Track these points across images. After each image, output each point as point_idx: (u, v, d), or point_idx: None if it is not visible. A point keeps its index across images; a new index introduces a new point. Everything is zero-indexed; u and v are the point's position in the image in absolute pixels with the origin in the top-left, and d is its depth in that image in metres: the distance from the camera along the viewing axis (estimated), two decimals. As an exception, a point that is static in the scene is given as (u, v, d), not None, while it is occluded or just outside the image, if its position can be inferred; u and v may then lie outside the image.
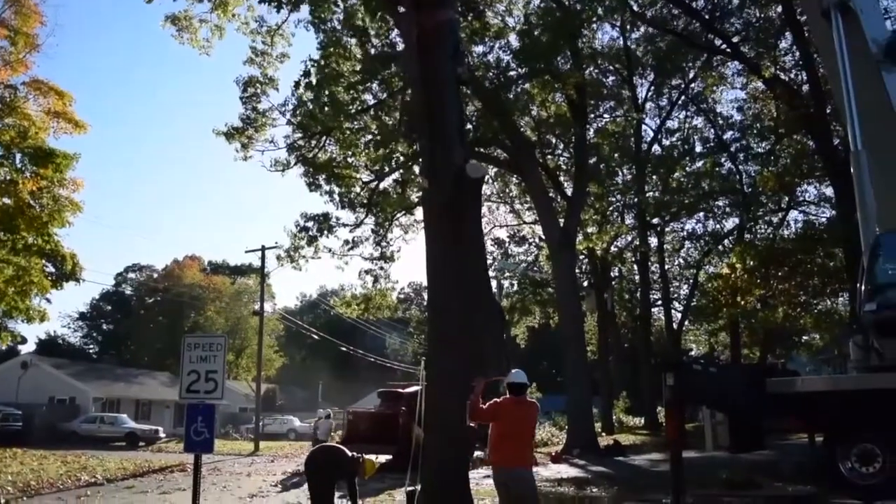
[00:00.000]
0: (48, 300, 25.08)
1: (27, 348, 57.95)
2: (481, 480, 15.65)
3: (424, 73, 10.55)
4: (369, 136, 22.72)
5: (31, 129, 22.30)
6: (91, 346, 76.23)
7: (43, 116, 23.07)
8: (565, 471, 18.27)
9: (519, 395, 7.49)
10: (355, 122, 22.55)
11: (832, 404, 10.29)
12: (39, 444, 30.39)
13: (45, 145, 22.74)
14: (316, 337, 55.94)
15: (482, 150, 25.72)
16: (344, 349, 54.13)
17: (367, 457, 10.43)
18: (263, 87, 21.92)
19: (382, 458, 20.80)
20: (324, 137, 22.47)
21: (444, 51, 11.07)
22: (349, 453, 10.32)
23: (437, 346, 10.28)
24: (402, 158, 22.81)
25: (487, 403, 7.78)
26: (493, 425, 7.50)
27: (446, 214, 10.29)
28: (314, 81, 20.01)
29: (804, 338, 43.33)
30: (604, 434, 32.42)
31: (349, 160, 23.33)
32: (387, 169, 23.33)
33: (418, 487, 9.97)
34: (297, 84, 20.62)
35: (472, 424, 12.51)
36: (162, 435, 38.03)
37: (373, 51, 21.41)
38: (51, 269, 24.90)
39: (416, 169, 20.99)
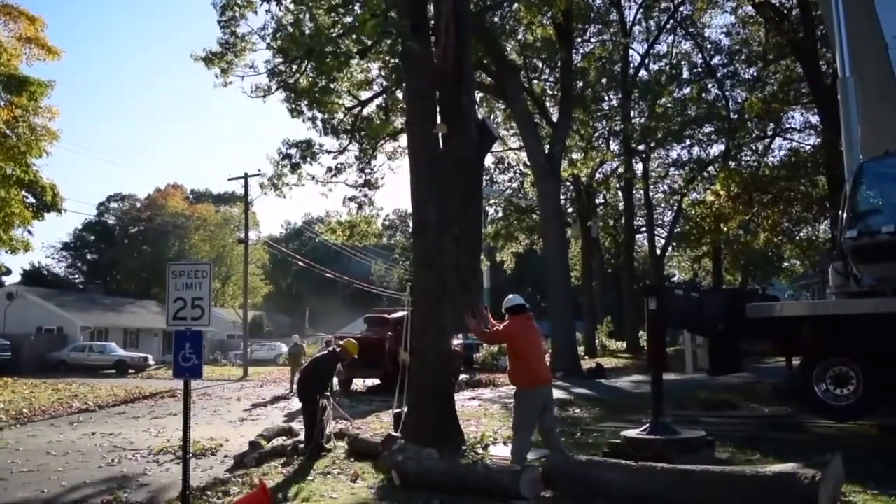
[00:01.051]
0: (30, 232, 24.85)
1: (11, 279, 57.85)
2: (466, 402, 16.04)
3: (459, 6, 10.23)
4: (353, 61, 22.20)
5: (2, 55, 21.63)
6: (76, 277, 76.09)
7: (14, 42, 22.35)
8: (549, 393, 18.68)
9: (521, 315, 7.76)
10: (337, 46, 21.96)
11: (810, 329, 10.50)
12: (29, 374, 30.69)
13: (18, 73, 22.12)
14: (301, 264, 56.10)
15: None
16: (329, 276, 54.37)
17: (344, 341, 11.00)
18: (242, 11, 21.22)
19: (370, 382, 21.27)
20: (305, 62, 21.92)
21: None
22: (330, 349, 10.80)
23: (422, 270, 10.34)
24: (384, 83, 22.40)
25: (496, 327, 7.99)
26: (513, 347, 7.74)
27: (461, 167, 10.27)
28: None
29: (784, 264, 43.96)
30: (587, 357, 33.06)
31: (331, 85, 22.83)
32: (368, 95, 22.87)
33: (405, 409, 10.20)
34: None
35: (457, 348, 12.82)
36: (151, 362, 38.42)
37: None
38: (31, 200, 24.60)
39: (400, 94, 20.65)
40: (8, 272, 50.14)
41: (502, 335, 7.95)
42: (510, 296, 7.93)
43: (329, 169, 24.06)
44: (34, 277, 65.72)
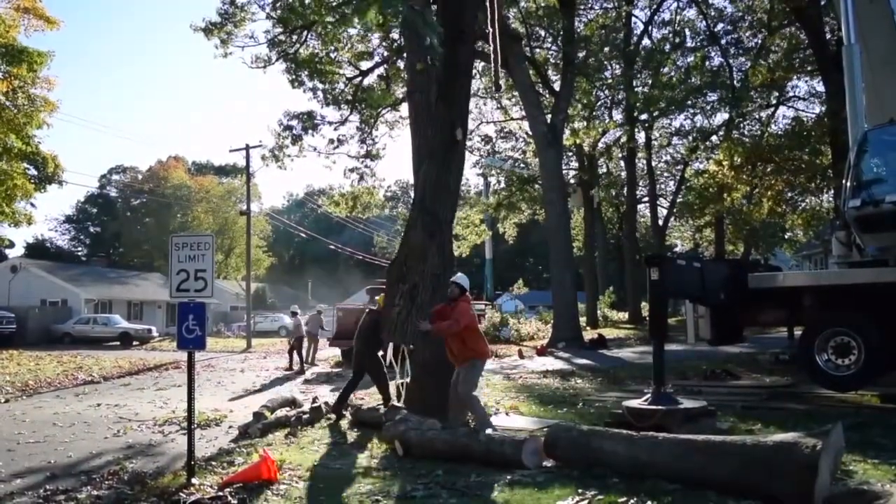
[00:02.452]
0: (32, 205, 24.86)
1: (15, 252, 57.86)
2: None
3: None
4: (352, 31, 22.00)
5: (0, 26, 21.45)
6: (79, 249, 76.26)
7: (12, 13, 22.15)
8: (550, 363, 18.79)
9: (467, 293, 8.51)
10: (336, 15, 21.77)
11: (812, 299, 10.51)
12: (34, 346, 30.84)
13: (16, 43, 21.93)
14: (304, 235, 56.10)
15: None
16: (332, 247, 54.40)
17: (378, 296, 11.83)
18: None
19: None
20: (305, 32, 21.77)
21: None
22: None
23: (424, 242, 10.31)
24: (385, 53, 22.24)
25: (455, 316, 8.15)
26: (470, 325, 8.24)
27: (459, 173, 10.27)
28: None
29: (787, 234, 43.87)
30: (588, 328, 33.13)
31: (332, 55, 22.68)
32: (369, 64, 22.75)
33: (407, 380, 10.25)
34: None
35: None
36: (155, 334, 38.56)
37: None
38: (33, 172, 24.56)
39: (401, 64, 20.49)
40: (11, 245, 50.18)
41: (464, 321, 8.16)
42: (461, 275, 8.47)
43: (330, 140, 24.03)
44: (37, 250, 65.87)
